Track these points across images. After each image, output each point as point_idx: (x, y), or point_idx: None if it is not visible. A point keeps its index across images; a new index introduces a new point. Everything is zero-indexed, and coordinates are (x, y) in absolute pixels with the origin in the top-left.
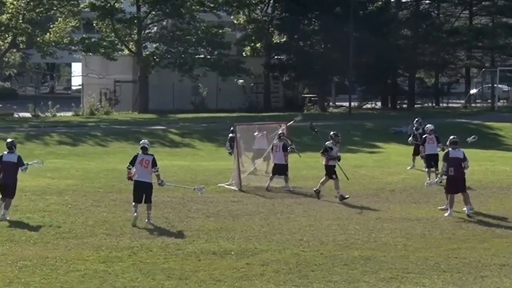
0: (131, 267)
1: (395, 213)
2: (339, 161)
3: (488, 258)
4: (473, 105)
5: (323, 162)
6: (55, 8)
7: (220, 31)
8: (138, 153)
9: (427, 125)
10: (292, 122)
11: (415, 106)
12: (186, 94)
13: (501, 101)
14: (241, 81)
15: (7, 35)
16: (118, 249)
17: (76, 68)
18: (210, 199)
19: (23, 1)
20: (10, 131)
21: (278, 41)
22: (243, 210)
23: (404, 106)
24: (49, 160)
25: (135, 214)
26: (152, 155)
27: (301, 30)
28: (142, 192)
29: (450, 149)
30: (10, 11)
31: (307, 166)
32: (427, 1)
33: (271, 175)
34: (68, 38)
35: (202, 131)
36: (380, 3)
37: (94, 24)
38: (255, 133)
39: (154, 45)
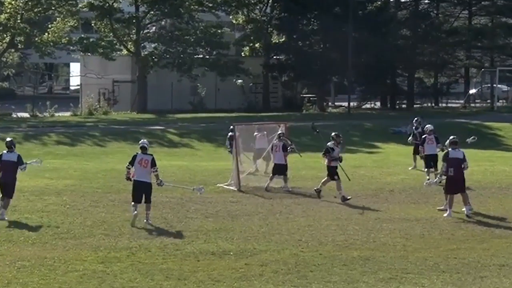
0: (130, 267)
1: (394, 213)
2: (340, 162)
3: (488, 259)
4: (472, 105)
5: (325, 163)
6: (53, 8)
7: (219, 31)
8: (137, 153)
9: (427, 126)
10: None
11: (414, 106)
12: (185, 94)
13: (501, 101)
14: (240, 81)
15: (5, 35)
16: (117, 250)
17: (75, 68)
18: (209, 199)
19: (21, 1)
20: (8, 131)
21: (277, 41)
22: (242, 211)
23: (403, 106)
24: (47, 160)
25: (135, 212)
26: (152, 155)
27: (300, 30)
28: (141, 192)
29: (450, 149)
30: (8, 11)
31: (306, 166)
32: (426, 1)
33: (271, 175)
34: (67, 38)
35: (201, 131)
36: (379, 3)
37: (93, 24)
38: (255, 133)
39: (153, 45)
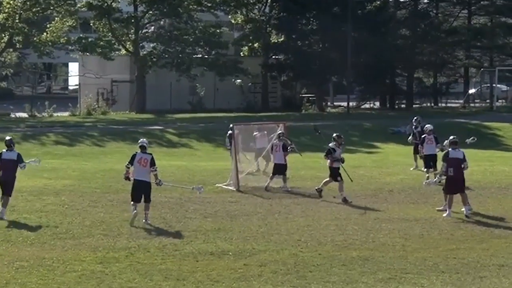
0: (128, 267)
1: (393, 213)
2: (343, 163)
3: (487, 259)
4: (472, 105)
5: (327, 164)
6: (51, 8)
7: (218, 30)
8: (136, 152)
9: (426, 125)
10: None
11: (414, 106)
12: (184, 94)
13: (500, 101)
14: (238, 81)
15: (3, 35)
16: (115, 250)
17: (73, 68)
18: (207, 199)
19: (20, 1)
20: (6, 131)
21: (276, 41)
22: (241, 211)
23: (403, 106)
24: (46, 160)
25: (135, 212)
26: (151, 154)
27: (299, 30)
28: (140, 191)
29: (450, 149)
30: (6, 10)
31: (305, 166)
32: (426, 1)
33: (271, 175)
34: (65, 38)
35: (200, 131)
36: (378, 2)
37: (91, 24)
38: (255, 133)
39: (152, 45)
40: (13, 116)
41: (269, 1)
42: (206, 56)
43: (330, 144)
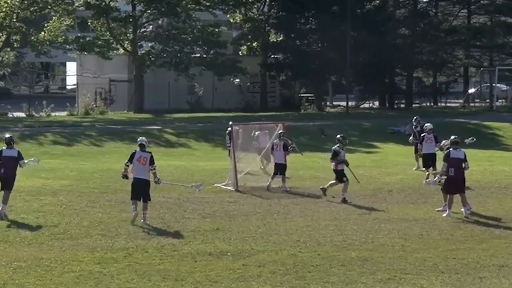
0: (127, 268)
1: (393, 213)
2: (347, 165)
3: (487, 259)
4: (472, 104)
5: (332, 167)
6: (49, 7)
7: (216, 30)
8: (136, 150)
9: (426, 124)
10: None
11: (413, 105)
12: (182, 93)
13: (500, 100)
14: (237, 80)
15: (0, 34)
16: (114, 250)
17: (71, 67)
18: (206, 199)
19: (17, 0)
20: (4, 131)
21: (275, 40)
22: (240, 211)
23: (402, 105)
24: (44, 160)
25: (135, 212)
26: (150, 152)
27: (298, 29)
28: (139, 189)
29: (451, 149)
30: (4, 9)
31: (304, 166)
32: (425, 0)
33: (272, 174)
34: (63, 37)
35: (198, 131)
36: (377, 1)
37: (89, 23)
38: (257, 133)
39: (150, 44)
40: (10, 115)
41: (267, 0)
42: (205, 56)
43: (334, 147)
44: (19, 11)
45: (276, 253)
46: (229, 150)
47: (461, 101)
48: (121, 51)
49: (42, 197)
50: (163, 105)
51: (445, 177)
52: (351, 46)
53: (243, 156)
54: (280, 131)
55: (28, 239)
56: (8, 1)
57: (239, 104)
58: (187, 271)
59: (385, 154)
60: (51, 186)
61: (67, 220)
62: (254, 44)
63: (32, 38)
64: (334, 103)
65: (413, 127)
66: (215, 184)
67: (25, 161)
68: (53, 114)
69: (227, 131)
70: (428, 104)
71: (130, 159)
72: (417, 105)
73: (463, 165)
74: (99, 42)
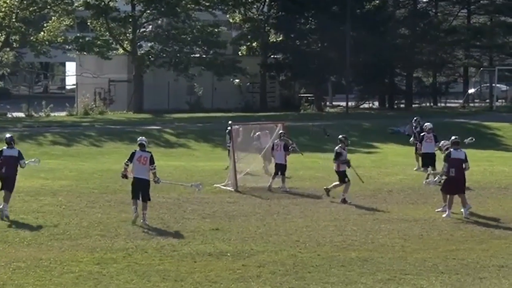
0: (126, 268)
1: (392, 214)
2: (349, 167)
3: (487, 259)
4: (471, 104)
5: (334, 168)
6: (49, 7)
7: (216, 30)
8: (136, 150)
9: (426, 124)
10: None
11: (413, 105)
12: (182, 93)
13: (500, 100)
14: (237, 80)
15: (0, 34)
16: (113, 251)
17: (70, 67)
18: (205, 199)
19: (17, 0)
20: (3, 131)
21: (275, 40)
22: (239, 211)
23: (402, 105)
24: (43, 161)
25: (135, 212)
26: (150, 152)
27: (297, 29)
28: (139, 188)
29: (452, 149)
30: (3, 9)
31: (303, 167)
32: (425, 0)
33: (273, 174)
34: (62, 37)
35: (198, 131)
36: (377, 1)
37: (89, 23)
38: (258, 133)
39: (149, 44)
40: (9, 116)
41: (267, 0)
42: (204, 56)
43: (336, 148)
44: (18, 11)
45: (275, 253)
46: (229, 150)
47: (461, 101)
48: (121, 51)
49: (41, 198)
50: (162, 105)
51: (445, 177)
52: (351, 46)
53: (243, 157)
54: (280, 131)
55: (27, 239)
56: (8, 1)
57: (239, 104)
58: (187, 271)
59: (385, 154)
60: (50, 186)
61: (66, 220)
62: (254, 44)
63: (32, 38)
64: (334, 103)
65: (413, 127)
66: (215, 185)
67: (26, 161)
68: (52, 114)
69: (227, 131)
70: (428, 104)
71: (130, 159)
72: (417, 105)
73: (464, 165)
74: (99, 42)
